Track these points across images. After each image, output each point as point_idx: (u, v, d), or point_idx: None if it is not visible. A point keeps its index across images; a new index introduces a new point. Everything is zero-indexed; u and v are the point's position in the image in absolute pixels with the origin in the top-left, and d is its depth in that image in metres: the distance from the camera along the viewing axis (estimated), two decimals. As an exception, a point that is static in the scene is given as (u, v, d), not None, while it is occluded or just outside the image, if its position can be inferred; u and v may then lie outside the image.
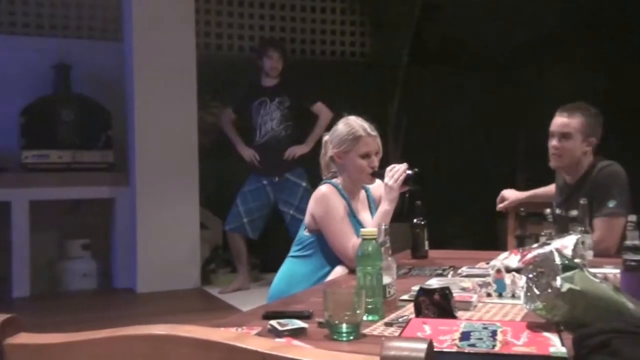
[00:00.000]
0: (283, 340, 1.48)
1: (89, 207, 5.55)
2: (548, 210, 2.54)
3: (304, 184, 5.19)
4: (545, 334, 1.30)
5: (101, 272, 5.55)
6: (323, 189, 2.60)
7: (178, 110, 5.42)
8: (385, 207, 2.49)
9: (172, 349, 0.84)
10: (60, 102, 5.51)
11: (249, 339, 0.80)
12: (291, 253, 2.70)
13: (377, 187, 2.71)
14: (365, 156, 2.59)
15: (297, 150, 5.19)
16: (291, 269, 2.64)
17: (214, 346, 0.80)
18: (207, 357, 0.81)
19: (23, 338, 0.95)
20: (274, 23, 6.52)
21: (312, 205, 2.61)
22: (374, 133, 2.62)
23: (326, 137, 2.72)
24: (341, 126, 2.64)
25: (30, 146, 5.30)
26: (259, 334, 1.53)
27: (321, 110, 5.27)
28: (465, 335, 1.29)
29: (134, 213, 5.37)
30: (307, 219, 2.64)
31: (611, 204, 2.67)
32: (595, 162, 2.83)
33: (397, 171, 2.51)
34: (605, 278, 1.57)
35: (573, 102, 2.91)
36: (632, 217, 2.09)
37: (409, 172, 2.53)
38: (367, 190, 2.77)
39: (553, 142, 2.85)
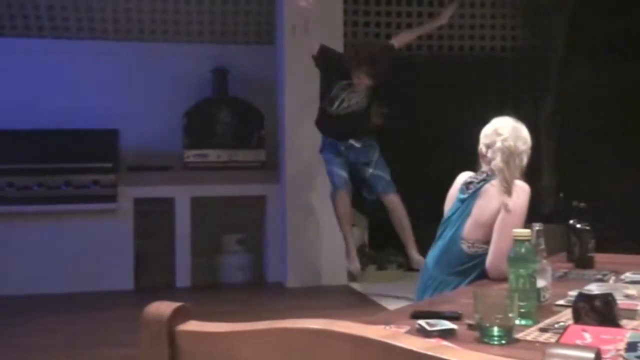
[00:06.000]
0: (433, 340, 1.47)
1: (244, 203, 5.83)
2: None
3: None
4: None
5: (254, 266, 5.81)
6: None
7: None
8: None
9: (327, 343, 0.86)
10: (219, 105, 5.87)
11: (404, 338, 0.81)
12: (449, 273, 2.36)
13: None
14: None
15: None
16: None
17: (369, 343, 0.81)
18: (362, 353, 0.82)
19: (192, 325, 1.03)
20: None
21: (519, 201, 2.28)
22: None
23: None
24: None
25: (192, 146, 5.69)
26: (407, 333, 1.53)
27: None
28: (631, 346, 1.20)
29: (284, 210, 5.56)
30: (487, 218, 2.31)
31: None
32: None
33: None
34: None
35: None
36: None
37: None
38: None
39: None
